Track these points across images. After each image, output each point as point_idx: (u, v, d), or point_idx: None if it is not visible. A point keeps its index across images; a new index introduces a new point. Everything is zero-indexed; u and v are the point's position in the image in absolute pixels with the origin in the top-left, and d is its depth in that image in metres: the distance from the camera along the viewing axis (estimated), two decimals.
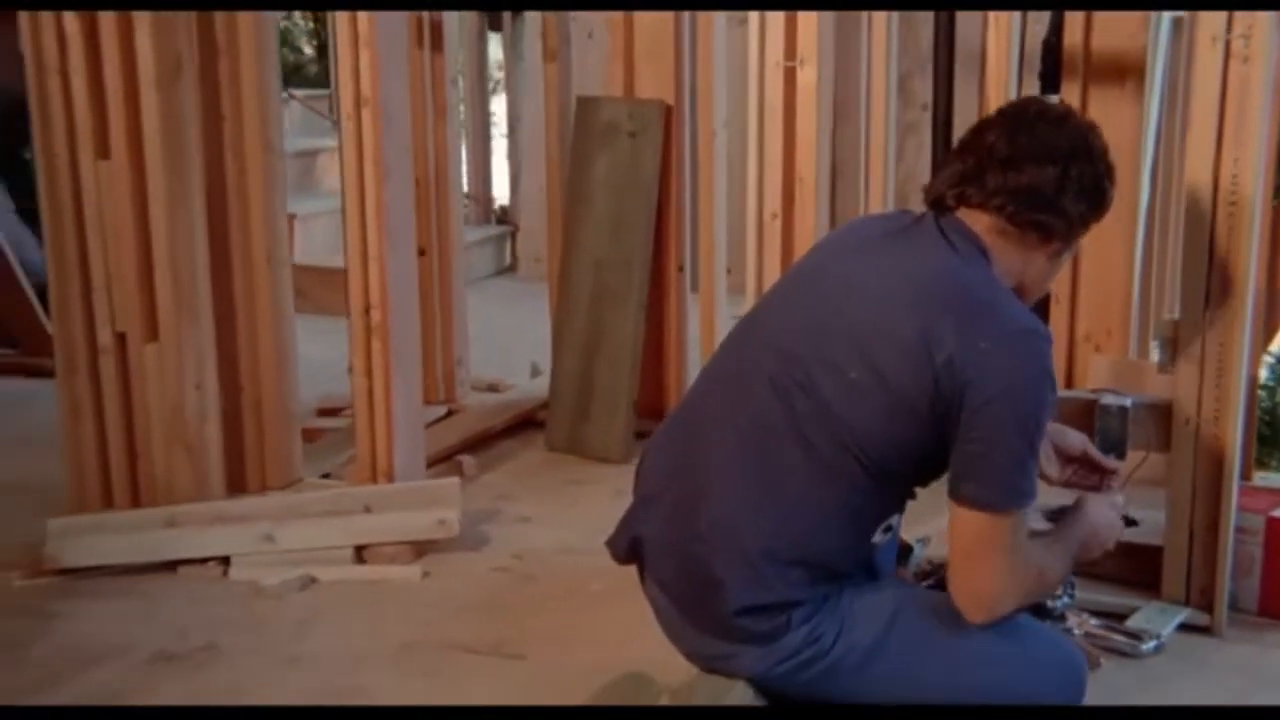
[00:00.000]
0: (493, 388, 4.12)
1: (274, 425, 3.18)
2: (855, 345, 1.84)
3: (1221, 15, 2.36)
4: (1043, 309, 3.08)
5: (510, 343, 4.64)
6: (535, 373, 4.23)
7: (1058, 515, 2.06)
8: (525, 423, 3.81)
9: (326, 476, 3.28)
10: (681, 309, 3.64)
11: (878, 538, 1.94)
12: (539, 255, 5.95)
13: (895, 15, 3.10)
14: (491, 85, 6.65)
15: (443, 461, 3.45)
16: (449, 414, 3.81)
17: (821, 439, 1.85)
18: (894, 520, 1.96)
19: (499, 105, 6.83)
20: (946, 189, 1.93)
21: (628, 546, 2.05)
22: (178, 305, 2.94)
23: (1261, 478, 3.04)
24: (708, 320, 3.49)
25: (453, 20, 3.90)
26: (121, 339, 2.97)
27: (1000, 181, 1.88)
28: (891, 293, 1.86)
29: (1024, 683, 1.92)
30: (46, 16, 2.86)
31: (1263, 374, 3.28)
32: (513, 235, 6.35)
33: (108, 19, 2.83)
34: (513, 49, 6.33)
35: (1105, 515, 2.04)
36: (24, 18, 2.90)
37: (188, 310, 2.96)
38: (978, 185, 1.90)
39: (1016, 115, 1.96)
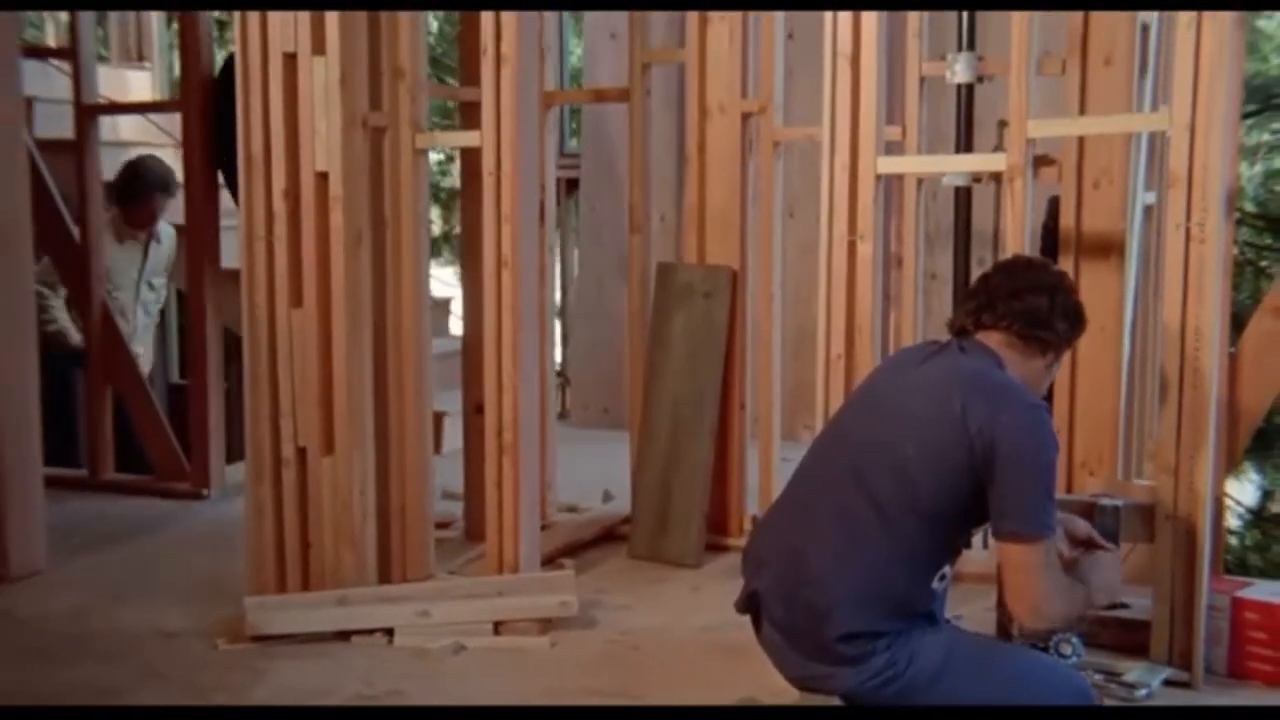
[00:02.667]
0: (571, 509, 4.79)
1: (415, 527, 3.84)
2: (911, 429, 2.55)
3: (1183, 205, 3.12)
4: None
5: (574, 474, 5.33)
6: (607, 498, 4.91)
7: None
8: (607, 536, 4.48)
9: (452, 574, 3.94)
10: (742, 439, 4.34)
11: (936, 584, 2.61)
12: (588, 404, 6.69)
13: (924, 202, 3.86)
14: None
15: (546, 564, 4.10)
16: (544, 528, 4.47)
17: (890, 503, 2.54)
18: (947, 570, 2.64)
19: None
20: (966, 317, 2.69)
21: (745, 599, 2.72)
22: (349, 426, 3.63)
23: None
24: (765, 447, 4.21)
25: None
26: (302, 453, 3.66)
27: (1007, 307, 2.65)
28: (934, 389, 2.58)
29: (1048, 698, 2.58)
30: (259, 192, 3.61)
31: None
32: (563, 387, 7.06)
33: (309, 199, 3.58)
34: (559, 226, 7.13)
35: (1110, 574, 2.73)
36: (243, 197, 3.65)
37: (357, 430, 3.65)
38: (990, 312, 2.67)
39: (1011, 264, 2.81)
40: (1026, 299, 2.66)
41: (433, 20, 7.94)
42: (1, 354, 4.00)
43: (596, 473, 5.08)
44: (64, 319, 5.35)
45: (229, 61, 4.54)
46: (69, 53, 5.11)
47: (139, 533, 4.59)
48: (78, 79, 5.04)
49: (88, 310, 5.12)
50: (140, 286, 5.47)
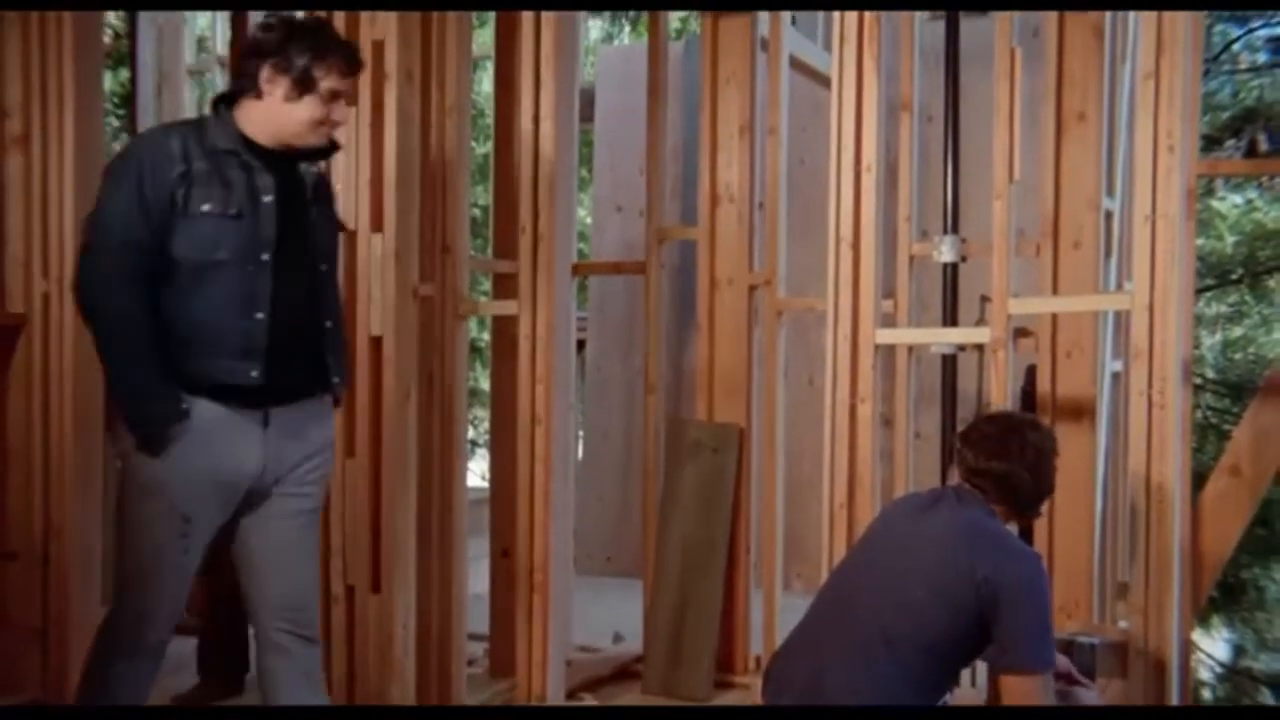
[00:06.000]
0: (585, 649, 5.11)
1: (450, 661, 4.16)
2: (920, 573, 2.93)
3: (1145, 375, 3.55)
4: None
5: (584, 618, 5.65)
6: (617, 639, 5.24)
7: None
8: (622, 673, 4.80)
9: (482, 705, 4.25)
10: (747, 583, 4.70)
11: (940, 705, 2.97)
12: (592, 553, 7.04)
13: (915, 367, 4.30)
14: None
15: (568, 698, 4.41)
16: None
17: (901, 638, 2.90)
18: (949, 697, 3.00)
19: None
20: (963, 478, 3.07)
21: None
22: (394, 566, 3.98)
23: None
24: (769, 591, 4.57)
25: None
26: (350, 590, 4.00)
27: (994, 482, 3.02)
28: (940, 537, 2.96)
29: None
30: None
31: None
32: None
33: (364, 360, 3.98)
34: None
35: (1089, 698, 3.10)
36: None
37: (400, 570, 4.00)
38: (980, 477, 3.03)
39: (999, 425, 3.10)
40: (1004, 466, 3.01)
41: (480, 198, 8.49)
42: None
43: (605, 616, 5.42)
44: None
45: None
46: None
47: (180, 669, 4.88)
48: None
49: None
50: None
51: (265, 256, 3.00)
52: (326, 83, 3.02)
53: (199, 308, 2.94)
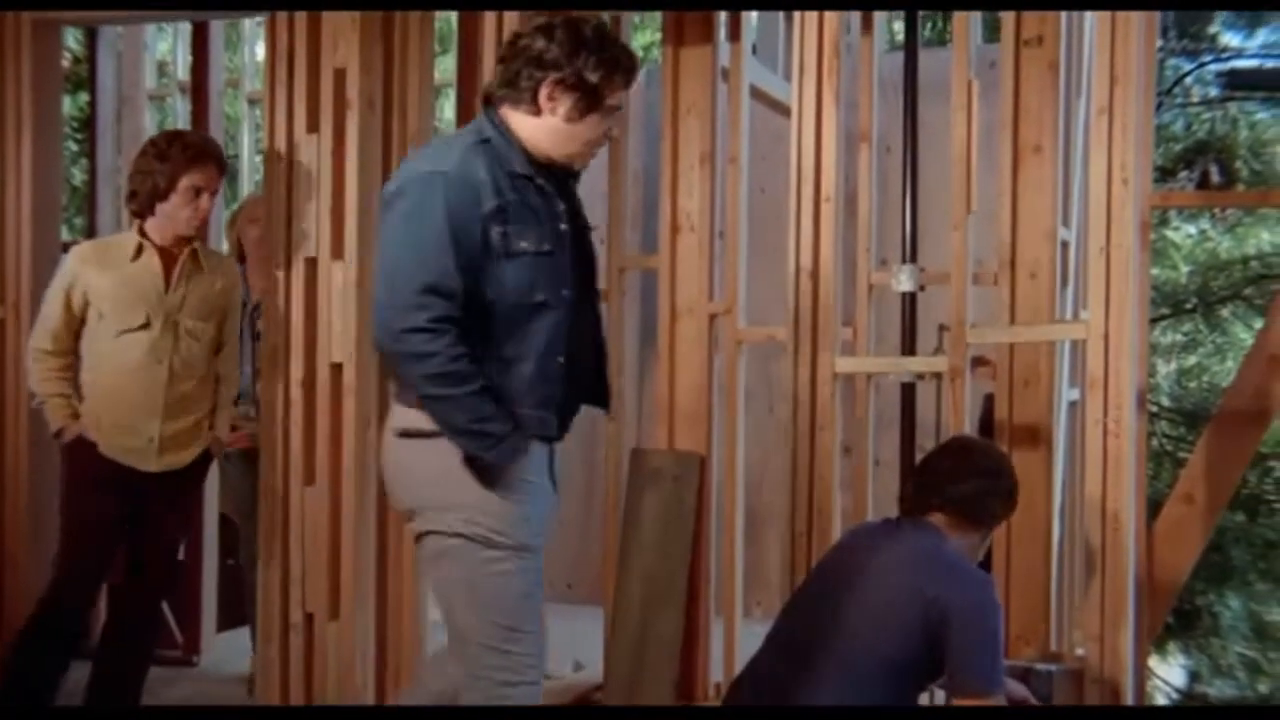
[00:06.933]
0: (545, 677, 5.07)
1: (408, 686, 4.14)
2: (877, 598, 2.95)
3: (1100, 403, 3.59)
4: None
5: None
6: (577, 667, 5.22)
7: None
8: (582, 702, 4.79)
9: None
10: (707, 612, 4.70)
11: None
12: (553, 580, 7.00)
13: (874, 395, 4.33)
14: None
15: None
16: None
17: (859, 658, 2.93)
18: None
19: None
20: (915, 498, 3.11)
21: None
22: (354, 593, 3.96)
23: None
24: (729, 620, 4.58)
25: None
26: (309, 618, 3.97)
27: (950, 493, 3.08)
28: (895, 564, 3.00)
29: None
30: (279, 382, 4.00)
31: None
32: None
33: (324, 388, 3.97)
34: None
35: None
36: (263, 386, 4.03)
37: (360, 597, 3.98)
38: (936, 495, 3.10)
39: (955, 447, 3.23)
40: (966, 485, 3.09)
41: None
42: None
43: (566, 644, 5.38)
44: None
45: None
46: None
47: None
48: None
49: None
50: None
51: (566, 293, 2.77)
52: (612, 100, 2.75)
53: (513, 354, 2.71)
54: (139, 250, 3.84)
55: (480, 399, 2.65)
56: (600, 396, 2.99)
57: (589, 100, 2.70)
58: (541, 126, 2.73)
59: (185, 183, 3.80)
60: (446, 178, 2.64)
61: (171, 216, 3.83)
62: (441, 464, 2.73)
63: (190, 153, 3.81)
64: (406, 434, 2.79)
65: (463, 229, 2.62)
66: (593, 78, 2.68)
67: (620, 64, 2.73)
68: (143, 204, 3.85)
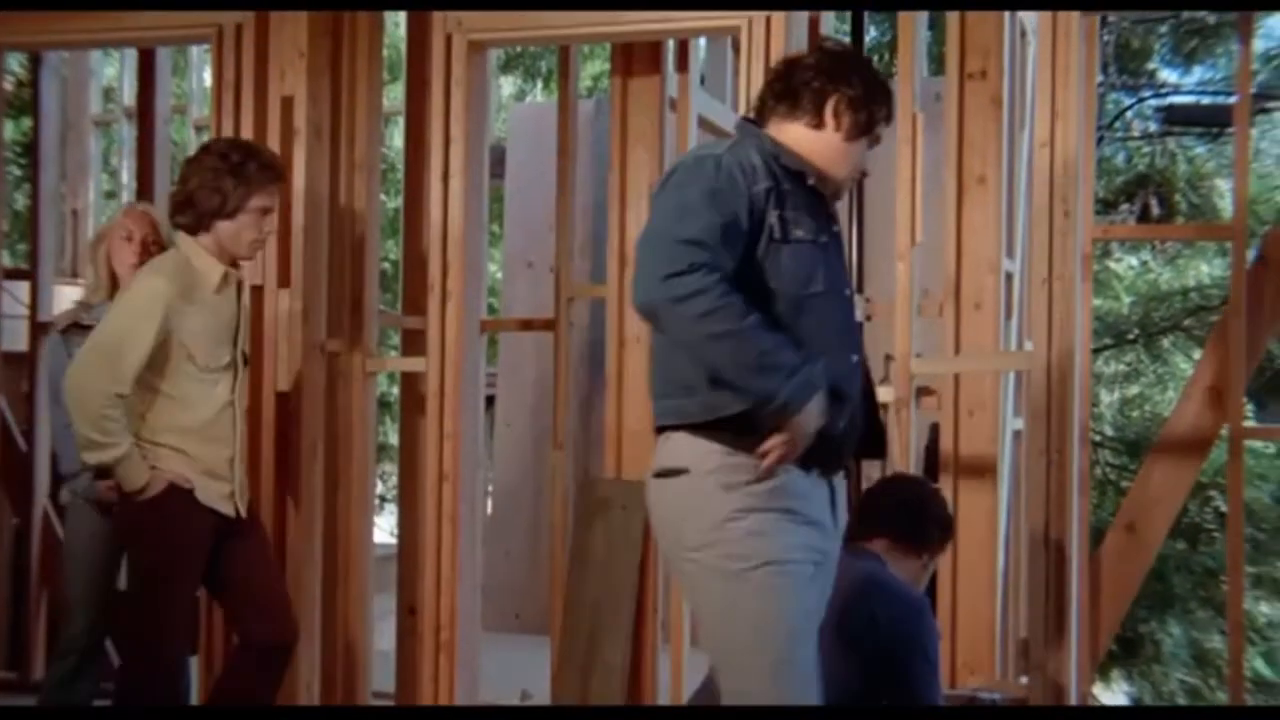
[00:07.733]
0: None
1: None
2: (824, 621, 2.97)
3: (1043, 433, 3.62)
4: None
5: (491, 675, 5.60)
6: (524, 697, 5.19)
7: None
8: None
9: None
10: (655, 639, 4.70)
11: None
12: (502, 610, 6.98)
13: None
14: None
15: None
16: None
17: None
18: None
19: None
20: (857, 526, 3.14)
21: None
22: (299, 623, 3.92)
23: None
24: (676, 650, 4.57)
25: None
26: None
27: (889, 518, 3.16)
28: (839, 591, 3.01)
29: None
30: None
31: None
32: None
33: (269, 416, 3.95)
34: None
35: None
36: None
37: (306, 627, 3.94)
38: (876, 522, 3.17)
39: (892, 482, 3.37)
40: (903, 512, 3.17)
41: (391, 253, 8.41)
42: None
43: (513, 674, 5.35)
44: None
45: None
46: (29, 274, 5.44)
47: None
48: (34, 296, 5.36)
49: (29, 515, 5.34)
50: None
51: (848, 292, 2.73)
52: (879, 129, 2.75)
53: (798, 342, 2.54)
54: (224, 280, 3.47)
55: (765, 330, 2.48)
56: (874, 443, 2.84)
57: (866, 123, 2.70)
58: (820, 139, 2.69)
59: (256, 202, 3.42)
60: (718, 158, 2.60)
61: (235, 236, 3.43)
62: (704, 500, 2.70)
63: (270, 173, 3.47)
64: (664, 474, 2.80)
65: (734, 197, 2.54)
66: (880, 113, 2.72)
67: (891, 100, 2.78)
68: (200, 219, 3.42)
